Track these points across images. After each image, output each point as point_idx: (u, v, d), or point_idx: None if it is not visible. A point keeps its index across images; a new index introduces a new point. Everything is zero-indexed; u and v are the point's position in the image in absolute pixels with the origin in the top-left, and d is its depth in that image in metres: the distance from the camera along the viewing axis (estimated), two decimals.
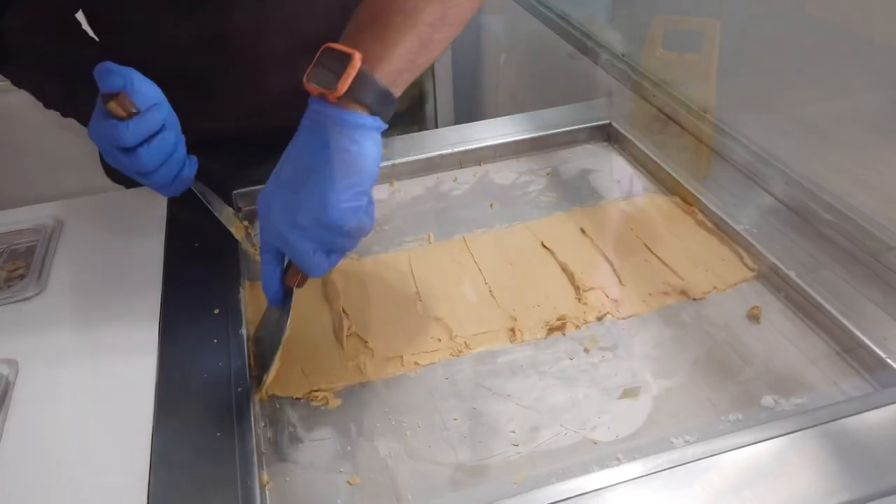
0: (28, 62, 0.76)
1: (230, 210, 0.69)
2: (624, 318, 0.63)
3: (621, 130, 0.87)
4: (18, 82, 0.76)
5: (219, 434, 0.51)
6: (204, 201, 0.68)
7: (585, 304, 0.64)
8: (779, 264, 0.64)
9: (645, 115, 0.91)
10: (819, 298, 0.60)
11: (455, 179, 0.84)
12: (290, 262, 0.56)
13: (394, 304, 0.66)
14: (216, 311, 0.62)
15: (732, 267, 0.67)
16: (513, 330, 0.62)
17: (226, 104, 0.81)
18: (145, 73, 0.59)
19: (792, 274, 0.63)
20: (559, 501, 0.45)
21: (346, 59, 0.49)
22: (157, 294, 0.65)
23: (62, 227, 0.77)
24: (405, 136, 0.88)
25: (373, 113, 0.51)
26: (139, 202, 0.80)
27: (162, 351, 0.59)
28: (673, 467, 0.46)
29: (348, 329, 0.62)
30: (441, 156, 0.85)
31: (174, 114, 0.61)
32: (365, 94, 0.50)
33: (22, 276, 0.71)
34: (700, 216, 0.74)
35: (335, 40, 0.52)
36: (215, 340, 0.59)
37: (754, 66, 0.82)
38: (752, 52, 0.82)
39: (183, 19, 0.77)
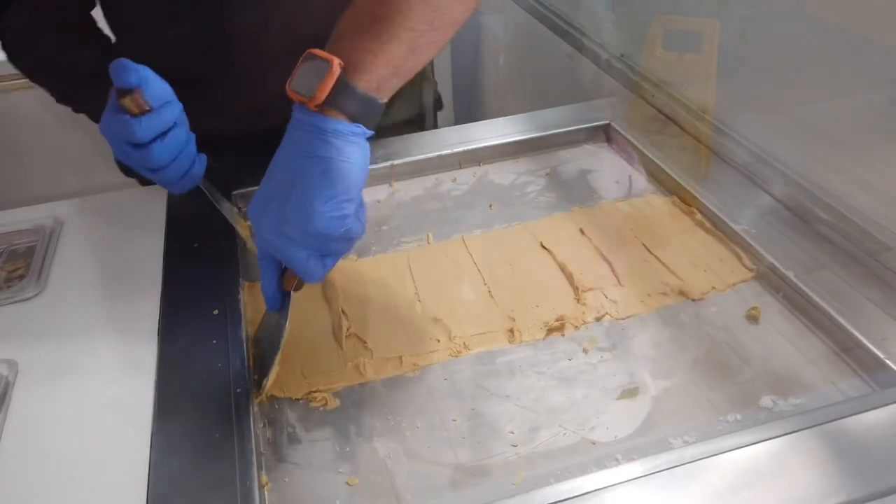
0: (28, 62, 0.77)
1: (236, 209, 0.69)
2: (623, 319, 0.63)
3: (620, 131, 0.87)
4: (32, 77, 0.77)
5: (218, 435, 0.51)
6: (211, 199, 0.68)
7: (584, 304, 0.64)
8: (777, 265, 0.64)
9: (644, 116, 0.91)
10: (818, 299, 0.60)
11: (454, 180, 0.84)
12: (286, 266, 0.56)
13: (393, 304, 0.66)
14: (215, 312, 0.62)
15: (731, 267, 0.67)
16: (511, 330, 0.62)
17: (226, 104, 0.81)
18: None
19: (791, 274, 0.63)
20: (558, 502, 0.45)
21: (325, 66, 0.49)
22: (157, 295, 0.65)
23: (62, 227, 0.77)
24: (404, 136, 0.88)
25: (354, 120, 0.50)
26: (139, 203, 0.80)
27: (161, 352, 0.59)
28: (672, 468, 0.46)
29: (347, 329, 0.62)
30: (440, 156, 0.85)
31: (184, 113, 0.61)
32: (344, 101, 0.49)
33: (21, 277, 0.71)
34: (699, 216, 0.74)
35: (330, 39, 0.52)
36: (214, 341, 0.59)
37: (754, 66, 0.82)
38: (751, 52, 0.82)
39: (183, 19, 0.77)
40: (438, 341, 0.61)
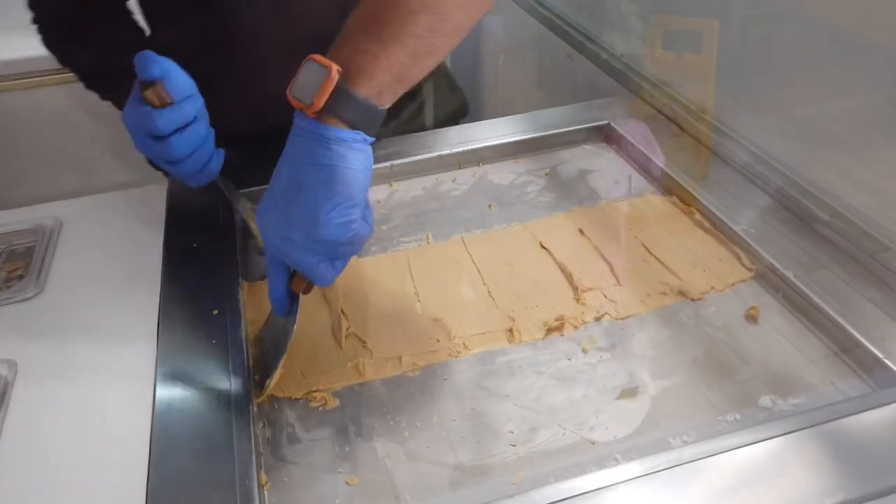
0: (62, 47, 0.77)
1: (250, 206, 0.69)
2: (622, 319, 0.63)
3: (620, 131, 0.88)
4: (63, 62, 0.78)
5: (217, 434, 0.51)
6: (226, 194, 0.69)
7: (584, 304, 0.64)
8: (776, 264, 0.64)
9: (643, 116, 0.91)
10: (817, 299, 0.60)
11: (454, 180, 0.84)
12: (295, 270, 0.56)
13: (392, 304, 0.66)
14: (215, 312, 0.62)
15: (730, 267, 0.67)
16: (511, 330, 0.62)
17: (226, 104, 0.81)
18: None
19: (790, 274, 0.63)
20: (557, 501, 0.45)
21: (323, 73, 0.48)
22: (156, 295, 0.65)
23: (61, 227, 0.77)
24: (404, 136, 0.88)
25: (353, 127, 0.49)
26: (139, 203, 0.80)
27: (161, 352, 0.59)
28: (671, 467, 0.46)
29: (347, 329, 0.62)
30: (440, 156, 0.85)
31: (205, 107, 0.62)
32: (343, 109, 0.49)
33: (21, 277, 0.71)
34: (698, 216, 0.74)
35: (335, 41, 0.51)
36: (214, 341, 0.59)
37: (753, 66, 0.82)
38: (751, 52, 0.82)
39: (183, 19, 0.77)
40: (438, 341, 0.61)
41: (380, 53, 0.49)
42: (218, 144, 0.66)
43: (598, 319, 0.63)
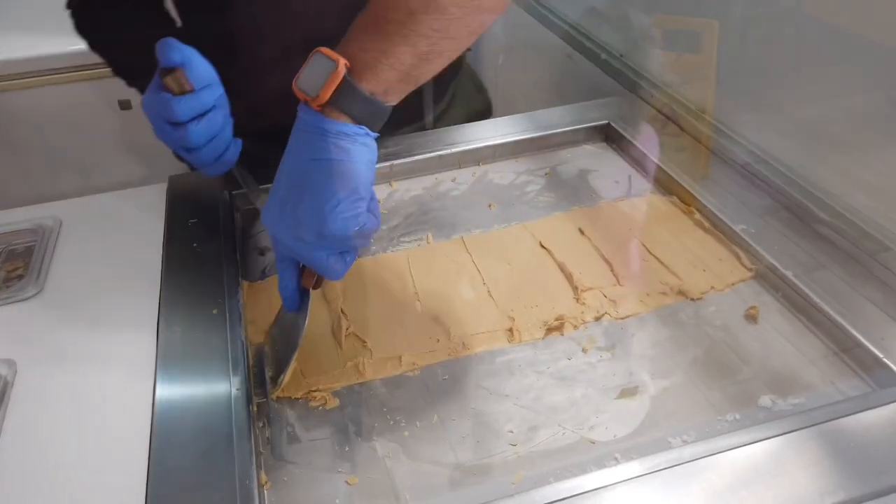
0: (95, 35, 0.77)
1: (266, 196, 0.69)
2: (622, 318, 0.63)
3: (620, 131, 0.88)
4: (94, 48, 0.78)
5: (217, 434, 0.51)
6: (242, 185, 0.69)
7: (583, 304, 0.64)
8: (776, 264, 0.64)
9: (643, 116, 0.91)
10: (816, 298, 0.60)
11: (454, 180, 0.84)
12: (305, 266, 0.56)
13: (392, 304, 0.66)
14: (214, 312, 0.62)
15: (730, 267, 0.67)
16: (511, 330, 0.62)
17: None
18: None
19: (789, 274, 0.63)
20: (557, 501, 0.45)
21: (331, 66, 0.48)
22: (156, 294, 0.65)
23: (61, 227, 0.77)
24: (404, 136, 0.88)
25: (358, 122, 0.50)
26: (138, 203, 0.80)
27: (160, 352, 0.59)
28: (671, 467, 0.47)
29: (347, 329, 0.62)
30: (440, 156, 0.85)
31: (225, 96, 0.63)
32: (348, 103, 0.49)
33: (20, 277, 0.71)
34: (698, 216, 0.74)
35: (335, 40, 0.51)
36: (214, 341, 0.59)
37: (753, 66, 0.82)
38: (751, 52, 0.82)
39: (183, 19, 0.77)
40: (438, 341, 0.61)
41: (387, 51, 0.49)
42: None
43: (597, 319, 0.63)
